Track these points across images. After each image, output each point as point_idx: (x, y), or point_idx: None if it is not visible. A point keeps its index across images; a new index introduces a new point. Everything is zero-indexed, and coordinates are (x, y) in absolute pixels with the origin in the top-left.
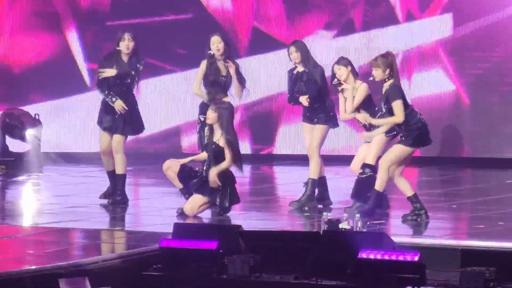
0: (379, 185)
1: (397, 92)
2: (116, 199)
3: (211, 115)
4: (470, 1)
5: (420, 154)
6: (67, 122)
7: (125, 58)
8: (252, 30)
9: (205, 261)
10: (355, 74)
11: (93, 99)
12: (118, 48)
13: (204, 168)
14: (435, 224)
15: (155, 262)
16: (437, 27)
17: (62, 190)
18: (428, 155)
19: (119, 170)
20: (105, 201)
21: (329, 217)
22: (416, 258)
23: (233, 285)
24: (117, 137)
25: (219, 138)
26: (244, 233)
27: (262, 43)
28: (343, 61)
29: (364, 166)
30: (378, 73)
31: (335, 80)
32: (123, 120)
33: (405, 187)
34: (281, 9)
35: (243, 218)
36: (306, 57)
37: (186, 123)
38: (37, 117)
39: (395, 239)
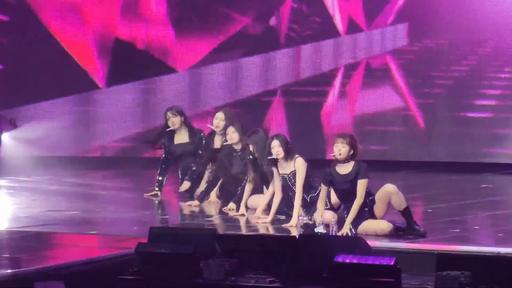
0: None
1: (367, 172)
2: None
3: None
4: (428, 8)
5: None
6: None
7: (183, 132)
8: (114, 44)
9: (181, 265)
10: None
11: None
12: (169, 129)
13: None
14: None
15: (131, 266)
16: (388, 39)
17: (38, 194)
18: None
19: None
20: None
21: (305, 221)
22: (391, 262)
23: None
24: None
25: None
26: (220, 237)
27: (131, 64)
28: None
29: None
30: (345, 150)
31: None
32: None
33: None
34: (164, 13)
35: (219, 222)
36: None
37: None
38: (12, 120)
39: (371, 243)
